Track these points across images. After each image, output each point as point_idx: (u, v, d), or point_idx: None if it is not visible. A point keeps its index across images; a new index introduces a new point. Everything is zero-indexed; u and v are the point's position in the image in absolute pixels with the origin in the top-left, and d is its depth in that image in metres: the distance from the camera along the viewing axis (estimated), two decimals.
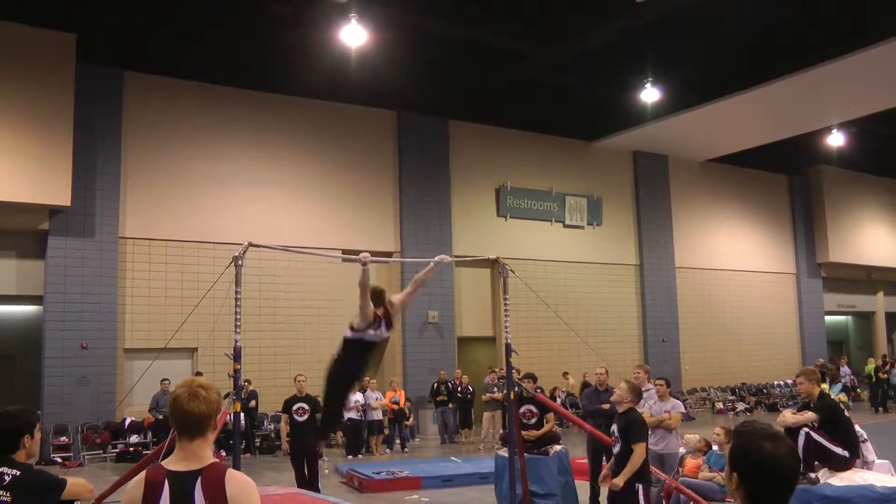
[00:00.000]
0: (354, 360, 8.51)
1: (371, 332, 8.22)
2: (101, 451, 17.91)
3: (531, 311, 21.64)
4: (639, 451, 7.23)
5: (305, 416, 12.17)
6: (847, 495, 7.28)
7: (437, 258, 9.43)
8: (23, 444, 4.49)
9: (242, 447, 13.87)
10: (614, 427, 7.51)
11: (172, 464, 3.28)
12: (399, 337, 22.30)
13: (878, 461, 9.50)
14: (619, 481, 7.16)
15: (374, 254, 19.97)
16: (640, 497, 7.15)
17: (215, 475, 3.24)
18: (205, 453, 3.31)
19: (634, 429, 7.33)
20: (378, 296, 8.37)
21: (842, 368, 26.20)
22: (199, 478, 3.22)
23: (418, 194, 22.82)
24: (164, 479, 3.22)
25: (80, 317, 18.12)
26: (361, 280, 8.01)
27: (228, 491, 3.20)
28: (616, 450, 7.49)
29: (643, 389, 10.74)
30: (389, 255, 20.84)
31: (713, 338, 28.83)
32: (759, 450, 2.51)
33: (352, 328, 8.26)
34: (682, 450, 10.16)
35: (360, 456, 17.93)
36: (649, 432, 10.33)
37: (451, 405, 20.36)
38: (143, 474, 3.27)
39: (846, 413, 8.45)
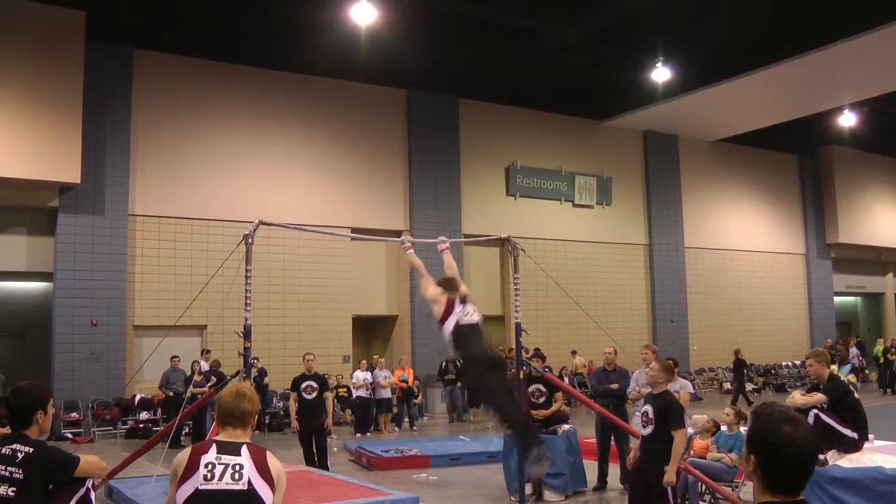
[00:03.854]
0: (471, 350, 8.43)
1: (456, 315, 8.37)
2: (111, 428, 18.04)
3: (539, 290, 21.63)
4: (679, 439, 7.11)
5: (314, 395, 12.22)
6: (856, 477, 7.29)
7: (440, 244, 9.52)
8: (36, 419, 4.46)
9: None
10: (647, 408, 7.35)
11: (218, 438, 3.93)
12: (408, 316, 22.37)
13: (885, 443, 9.50)
14: (671, 478, 6.98)
15: (383, 232, 20.13)
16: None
17: (258, 449, 3.91)
18: (245, 438, 3.95)
19: (674, 414, 7.19)
20: (449, 283, 8.63)
21: (850, 349, 26.14)
22: (245, 445, 3.87)
23: (428, 173, 22.81)
24: (212, 443, 3.87)
25: (89, 293, 18.20)
26: (411, 263, 8.17)
27: (270, 464, 3.86)
28: (646, 431, 7.33)
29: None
30: (399, 233, 20.77)
31: (721, 318, 28.81)
32: (777, 432, 2.50)
33: (440, 323, 8.47)
34: (690, 430, 10.16)
35: (368, 434, 17.99)
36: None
37: (459, 384, 20.38)
38: (190, 446, 3.96)
39: (855, 395, 8.44)
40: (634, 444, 10.82)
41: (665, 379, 7.44)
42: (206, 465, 3.75)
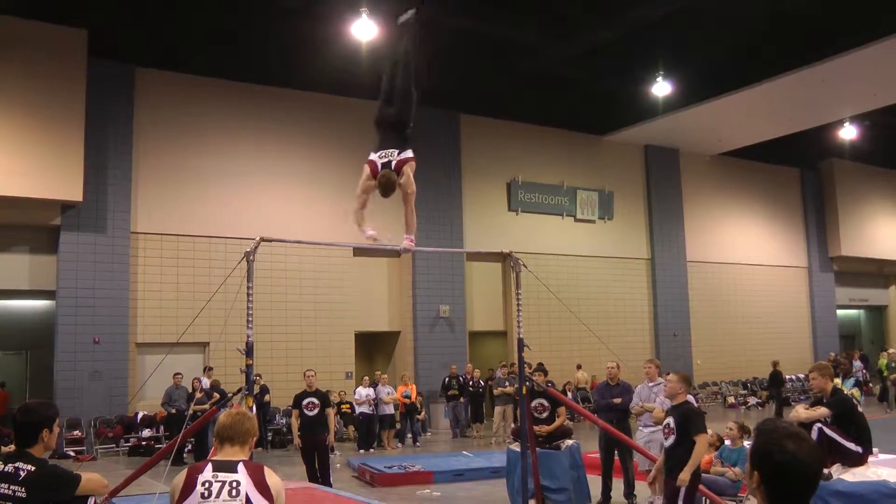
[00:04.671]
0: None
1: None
2: (113, 445, 18.00)
3: (542, 305, 21.63)
4: (701, 443, 7.19)
5: (315, 411, 12.21)
6: (860, 491, 7.26)
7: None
8: (41, 438, 4.50)
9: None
10: (669, 420, 7.46)
11: (214, 457, 3.97)
12: (410, 331, 22.34)
13: (889, 456, 9.47)
14: (686, 476, 7.06)
15: (384, 249, 20.09)
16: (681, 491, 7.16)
17: (256, 465, 3.91)
18: (243, 457, 3.97)
19: (694, 420, 7.31)
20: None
21: (854, 363, 26.09)
22: (241, 462, 3.87)
23: (429, 189, 22.76)
24: (208, 462, 3.88)
25: (92, 311, 18.19)
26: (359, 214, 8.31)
27: (269, 481, 3.85)
28: (669, 442, 7.44)
29: (653, 384, 10.77)
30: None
31: (724, 332, 28.76)
32: (781, 449, 2.48)
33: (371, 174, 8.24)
34: None
35: (371, 450, 17.97)
36: (660, 427, 10.35)
37: (462, 399, 20.37)
38: (186, 467, 3.94)
39: (859, 408, 8.42)
40: (637, 458, 10.81)
41: (683, 389, 7.60)
42: (203, 484, 3.76)
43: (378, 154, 8.17)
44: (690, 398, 10.46)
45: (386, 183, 8.12)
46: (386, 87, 8.59)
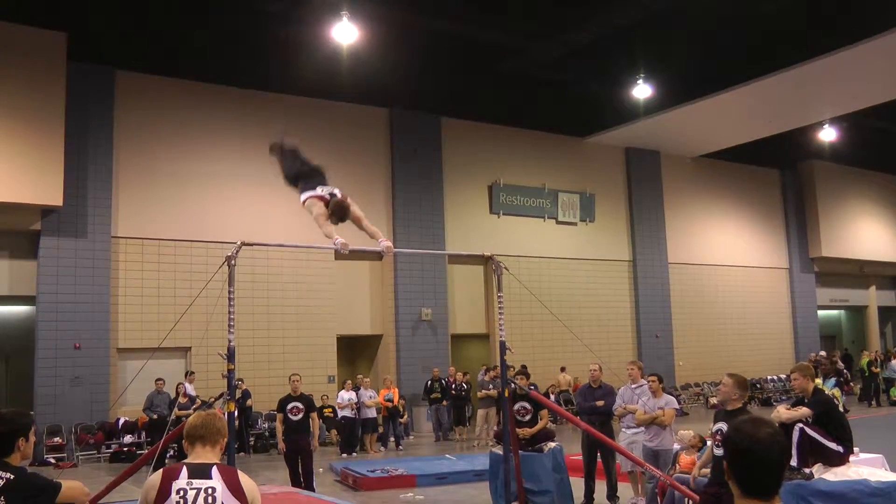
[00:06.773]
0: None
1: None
2: (95, 452, 17.88)
3: (524, 307, 21.61)
4: None
5: (300, 416, 12.18)
6: (841, 490, 7.30)
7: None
8: (17, 447, 4.46)
9: (236, 446, 13.84)
10: (722, 425, 6.90)
11: (188, 460, 3.90)
12: (393, 335, 22.31)
13: (870, 455, 9.53)
14: None
15: (366, 252, 20.11)
16: None
17: (229, 468, 3.91)
18: (215, 458, 3.94)
19: None
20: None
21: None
22: (215, 466, 3.84)
23: (411, 192, 22.80)
24: (182, 466, 3.83)
25: (72, 317, 18.07)
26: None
27: (243, 483, 3.84)
28: (720, 451, 6.74)
29: (636, 386, 10.80)
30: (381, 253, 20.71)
31: (706, 333, 28.87)
32: (741, 435, 2.65)
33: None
34: (676, 446, 10.16)
35: (354, 454, 17.92)
36: (642, 429, 10.38)
37: (445, 402, 20.36)
38: (160, 470, 3.88)
39: (840, 408, 8.47)
40: (620, 460, 10.81)
41: (739, 395, 6.98)
42: (177, 492, 3.73)
43: (318, 190, 8.78)
44: (671, 399, 10.53)
45: (344, 207, 8.77)
46: (299, 163, 9.64)
